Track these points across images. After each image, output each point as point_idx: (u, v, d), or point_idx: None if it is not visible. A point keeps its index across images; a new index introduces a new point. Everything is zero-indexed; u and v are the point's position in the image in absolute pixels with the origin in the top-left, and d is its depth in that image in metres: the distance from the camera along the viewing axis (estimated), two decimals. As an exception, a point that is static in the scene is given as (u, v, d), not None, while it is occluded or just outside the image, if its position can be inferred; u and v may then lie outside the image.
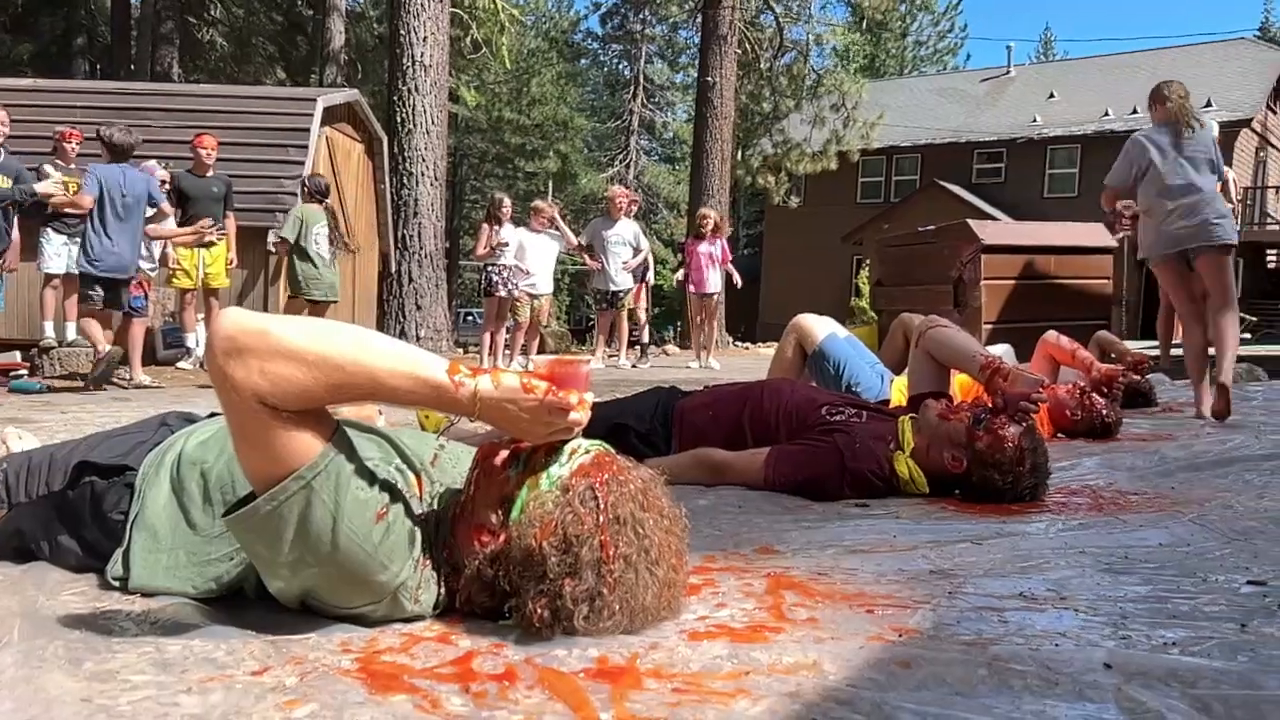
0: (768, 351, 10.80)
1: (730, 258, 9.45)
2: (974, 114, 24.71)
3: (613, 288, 8.87)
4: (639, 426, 2.73)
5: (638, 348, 9.78)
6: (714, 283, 9.19)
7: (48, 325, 7.20)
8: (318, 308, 6.95)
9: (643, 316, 9.65)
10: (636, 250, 8.90)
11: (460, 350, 12.81)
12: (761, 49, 18.29)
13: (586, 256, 9.12)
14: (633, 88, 33.65)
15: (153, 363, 7.95)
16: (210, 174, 7.37)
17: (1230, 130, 19.00)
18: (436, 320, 11.44)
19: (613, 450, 1.37)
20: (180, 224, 7.19)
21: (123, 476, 1.55)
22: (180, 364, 7.54)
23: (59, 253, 7.06)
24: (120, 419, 4.15)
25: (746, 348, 14.18)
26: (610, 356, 9.21)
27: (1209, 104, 20.82)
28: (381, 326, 11.47)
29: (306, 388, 1.20)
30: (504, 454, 1.33)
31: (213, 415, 1.71)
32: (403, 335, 11.05)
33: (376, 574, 1.26)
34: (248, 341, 1.18)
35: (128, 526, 1.49)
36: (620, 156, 33.26)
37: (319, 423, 1.25)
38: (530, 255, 8.21)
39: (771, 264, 26.34)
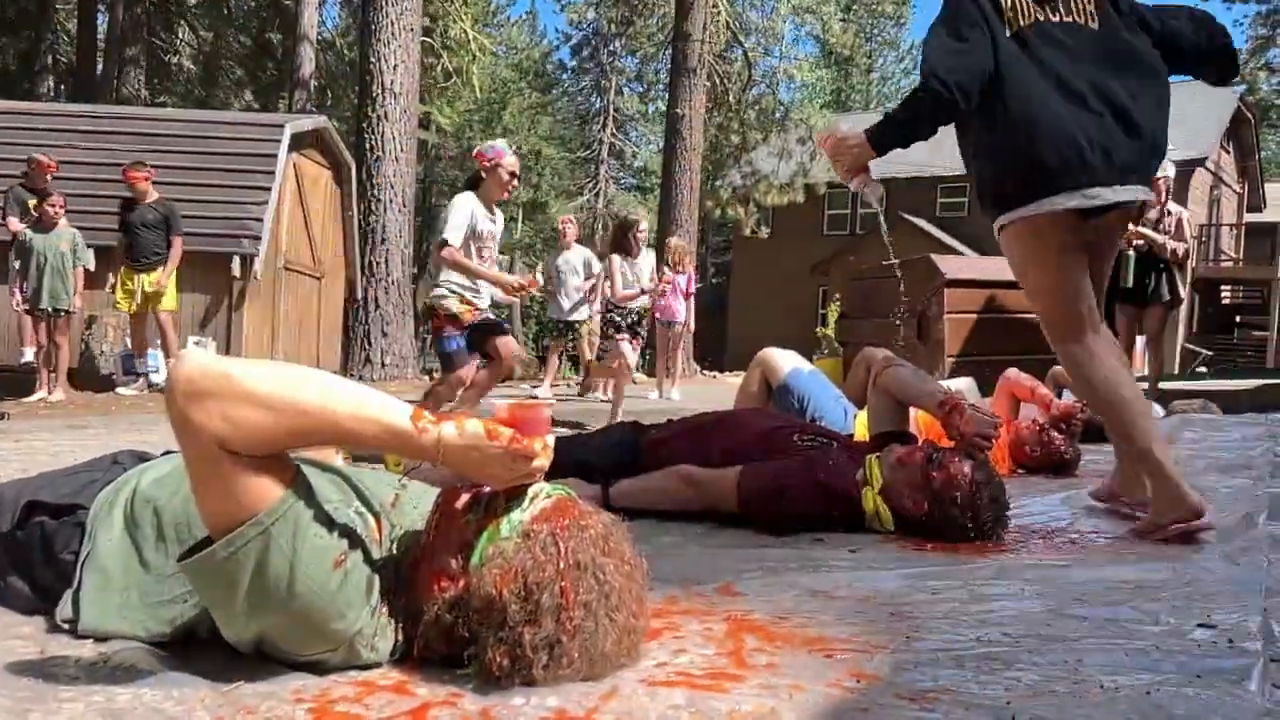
0: (735, 380, 10.85)
1: (693, 291, 9.42)
2: (938, 148, 24.70)
3: (566, 317, 8.73)
4: (603, 462, 2.72)
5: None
6: (679, 312, 9.20)
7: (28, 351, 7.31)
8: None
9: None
10: (589, 277, 8.75)
11: (426, 376, 12.72)
12: (730, 82, 18.54)
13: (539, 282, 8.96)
14: (603, 118, 33.90)
15: (111, 389, 7.83)
16: (149, 201, 7.47)
17: (1185, 169, 19.48)
18: (402, 347, 11.36)
19: (574, 494, 1.37)
20: (125, 253, 7.48)
21: (74, 516, 1.52)
22: (121, 388, 7.52)
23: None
24: (76, 447, 4.07)
25: (714, 376, 14.23)
26: (554, 385, 9.09)
27: (1164, 143, 21.36)
28: (347, 353, 11.39)
29: (268, 432, 1.19)
30: (464, 498, 1.33)
31: (167, 453, 1.69)
32: (368, 362, 10.96)
33: (333, 622, 1.25)
34: (209, 385, 1.17)
35: (79, 567, 1.46)
36: (590, 186, 33.43)
37: (279, 468, 1.24)
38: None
39: (739, 293, 26.53)
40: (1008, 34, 2.33)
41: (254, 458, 1.20)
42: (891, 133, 2.41)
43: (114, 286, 7.53)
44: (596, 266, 8.81)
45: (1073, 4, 2.35)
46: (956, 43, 2.29)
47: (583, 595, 1.23)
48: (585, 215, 29.50)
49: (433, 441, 1.24)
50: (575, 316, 8.74)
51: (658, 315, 9.21)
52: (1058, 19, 2.32)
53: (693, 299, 9.36)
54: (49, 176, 7.54)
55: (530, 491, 1.31)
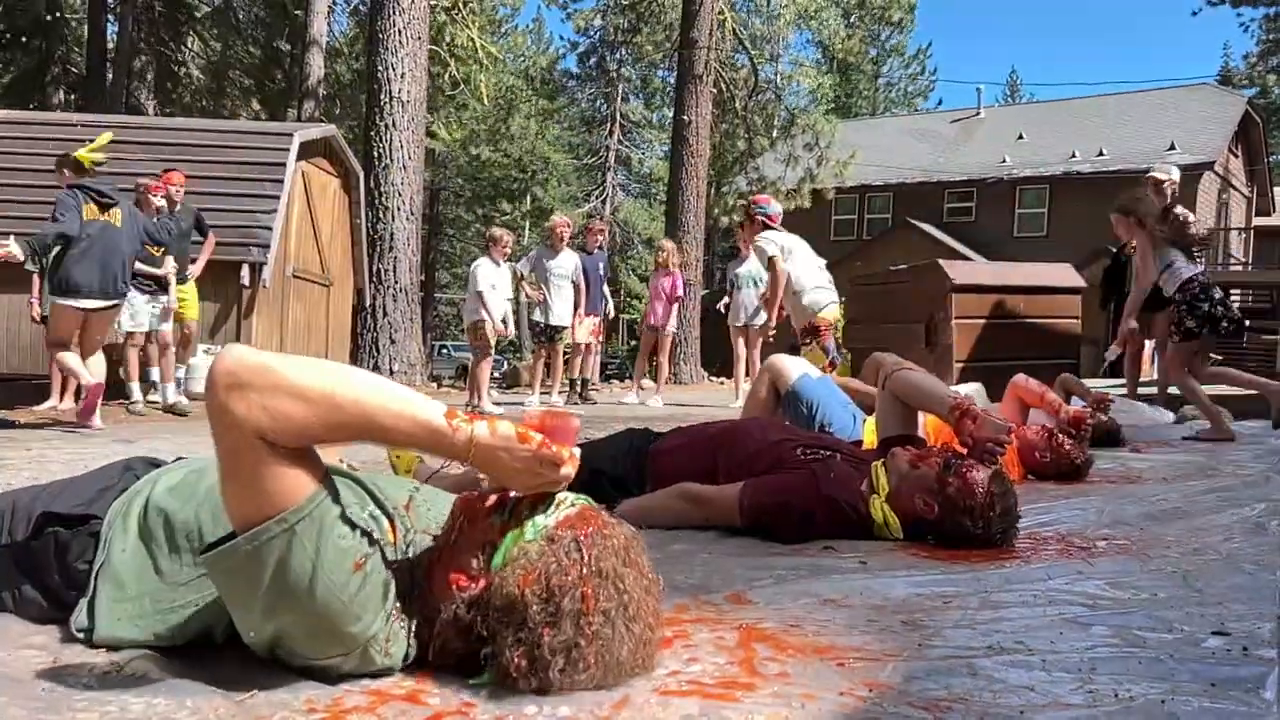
0: (743, 386, 10.84)
1: (679, 292, 9.33)
2: (945, 154, 25.14)
3: (553, 322, 8.54)
4: (611, 470, 2.72)
5: (580, 384, 9.53)
6: (662, 317, 9.04)
7: (135, 387, 7.29)
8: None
9: (593, 352, 9.44)
10: (577, 285, 8.63)
11: (434, 384, 12.74)
12: (736, 89, 18.56)
13: (526, 286, 8.77)
14: (609, 125, 33.95)
15: (120, 398, 7.86)
16: (177, 210, 7.46)
17: (1193, 173, 19.46)
18: (410, 354, 11.39)
19: (596, 504, 1.38)
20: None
21: (88, 526, 1.53)
22: (132, 406, 7.48)
23: (139, 311, 7.18)
24: (85, 456, 4.08)
25: (722, 383, 14.19)
26: (543, 393, 8.95)
27: (1172, 147, 21.36)
28: (355, 360, 11.41)
29: (306, 425, 1.20)
30: (490, 500, 1.34)
31: (179, 460, 1.69)
32: (376, 369, 10.99)
33: (349, 624, 1.25)
34: (250, 377, 1.19)
35: (93, 576, 1.47)
36: (597, 192, 33.47)
37: (310, 465, 1.25)
38: (500, 288, 8.15)
39: (746, 300, 26.46)
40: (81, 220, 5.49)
41: (287, 453, 1.21)
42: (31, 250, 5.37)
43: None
44: (583, 275, 8.69)
45: (111, 211, 5.68)
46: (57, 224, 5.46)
47: (603, 602, 1.24)
48: (592, 222, 29.54)
49: (465, 440, 1.25)
50: (562, 323, 8.58)
51: (647, 320, 9.19)
52: (111, 220, 5.59)
53: (678, 304, 9.25)
54: (159, 199, 7.35)
55: (556, 498, 1.33)
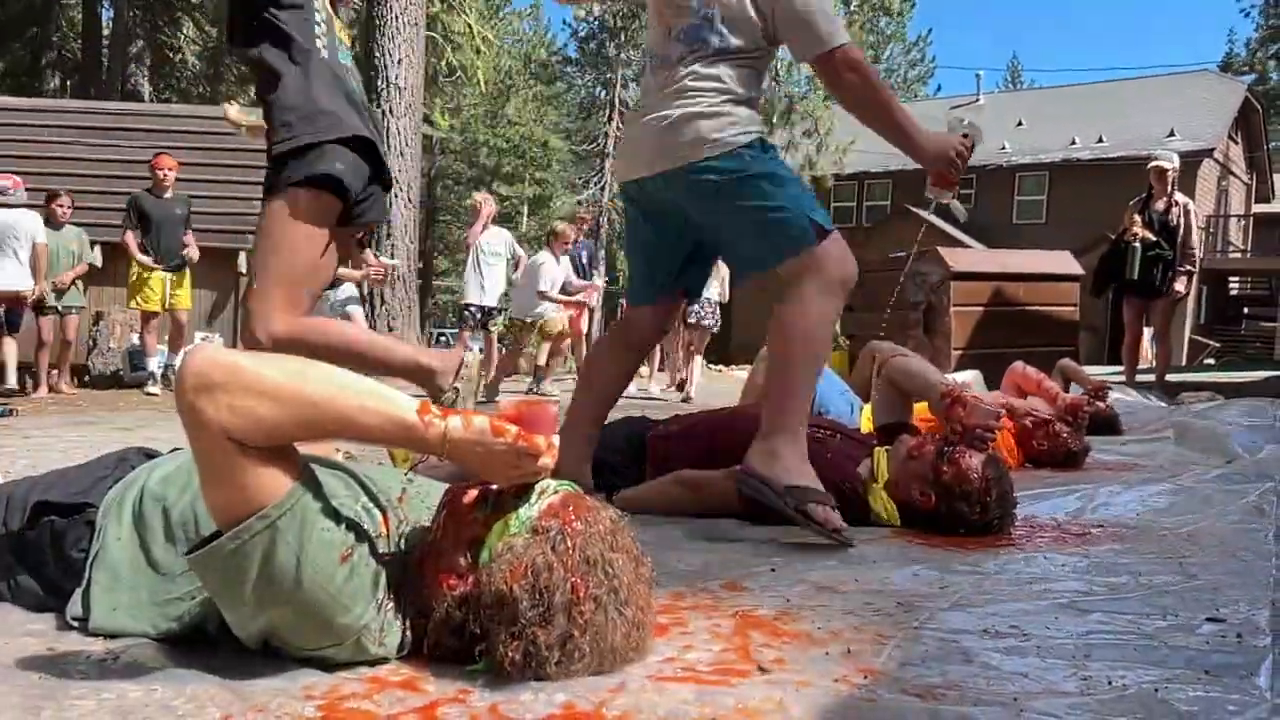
0: (740, 374, 10.83)
1: None
2: (944, 141, 24.98)
3: (485, 303, 7.90)
4: (609, 459, 2.72)
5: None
6: None
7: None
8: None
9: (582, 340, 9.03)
10: (515, 262, 8.19)
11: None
12: (735, 75, 18.44)
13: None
14: (608, 111, 33.84)
15: (118, 385, 7.87)
16: (169, 194, 7.36)
17: (1192, 160, 19.41)
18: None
19: (580, 489, 1.37)
20: (141, 246, 7.27)
21: (83, 514, 1.53)
22: (148, 388, 7.43)
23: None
24: (84, 444, 4.08)
25: (720, 370, 14.19)
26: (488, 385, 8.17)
27: (1172, 134, 21.30)
28: (353, 348, 11.39)
29: (276, 424, 1.20)
30: (472, 495, 1.33)
31: (175, 450, 1.69)
32: (375, 357, 10.98)
33: (339, 616, 1.25)
34: (218, 377, 1.18)
35: (88, 565, 1.47)
36: (595, 179, 33.39)
37: (286, 461, 1.24)
38: (557, 285, 7.90)
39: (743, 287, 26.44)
40: None
41: (262, 450, 1.20)
42: None
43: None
44: (520, 251, 8.33)
45: None
46: None
47: (593, 589, 1.24)
48: (592, 209, 29.39)
49: (439, 436, 1.25)
50: (495, 304, 8.06)
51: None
52: None
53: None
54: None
55: (538, 487, 1.32)
